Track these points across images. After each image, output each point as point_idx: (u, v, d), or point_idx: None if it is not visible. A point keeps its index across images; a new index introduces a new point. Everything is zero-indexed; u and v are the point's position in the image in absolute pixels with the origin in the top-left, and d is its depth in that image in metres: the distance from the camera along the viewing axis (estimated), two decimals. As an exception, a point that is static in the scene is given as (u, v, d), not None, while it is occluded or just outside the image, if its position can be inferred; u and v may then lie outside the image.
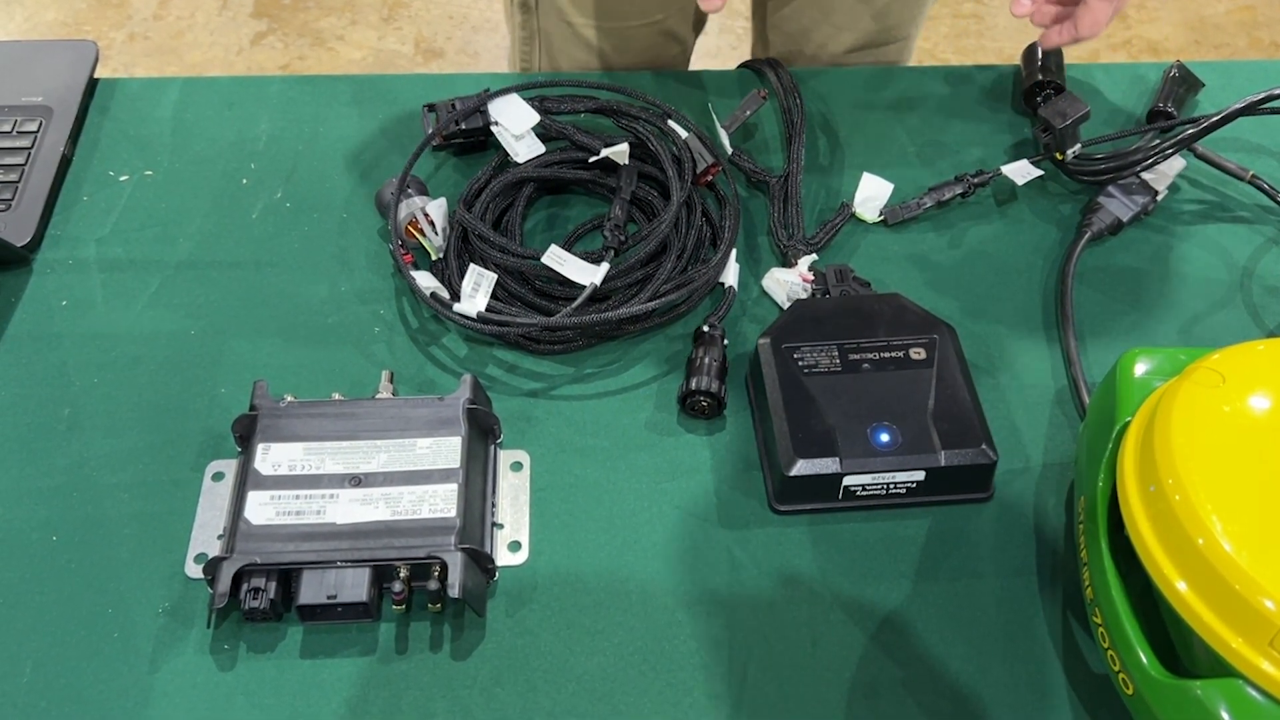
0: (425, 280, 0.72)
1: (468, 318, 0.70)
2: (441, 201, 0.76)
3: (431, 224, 0.74)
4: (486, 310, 0.70)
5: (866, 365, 0.67)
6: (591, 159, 0.78)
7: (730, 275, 0.75)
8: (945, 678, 0.59)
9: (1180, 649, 0.53)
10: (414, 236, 0.75)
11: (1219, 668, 0.49)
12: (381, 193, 0.78)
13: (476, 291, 0.71)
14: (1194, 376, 0.55)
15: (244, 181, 0.81)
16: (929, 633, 0.61)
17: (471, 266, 0.72)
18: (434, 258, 0.75)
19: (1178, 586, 0.50)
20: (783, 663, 0.59)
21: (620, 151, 0.77)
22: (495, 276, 0.72)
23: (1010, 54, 2.17)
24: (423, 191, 0.78)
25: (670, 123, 0.79)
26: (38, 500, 0.65)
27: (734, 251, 0.76)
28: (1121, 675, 0.54)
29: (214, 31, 2.20)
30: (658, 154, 0.77)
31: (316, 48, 2.19)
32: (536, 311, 0.72)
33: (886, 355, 0.67)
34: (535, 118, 0.79)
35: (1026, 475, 0.67)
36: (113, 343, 0.72)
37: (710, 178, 0.79)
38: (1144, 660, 0.52)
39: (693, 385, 0.67)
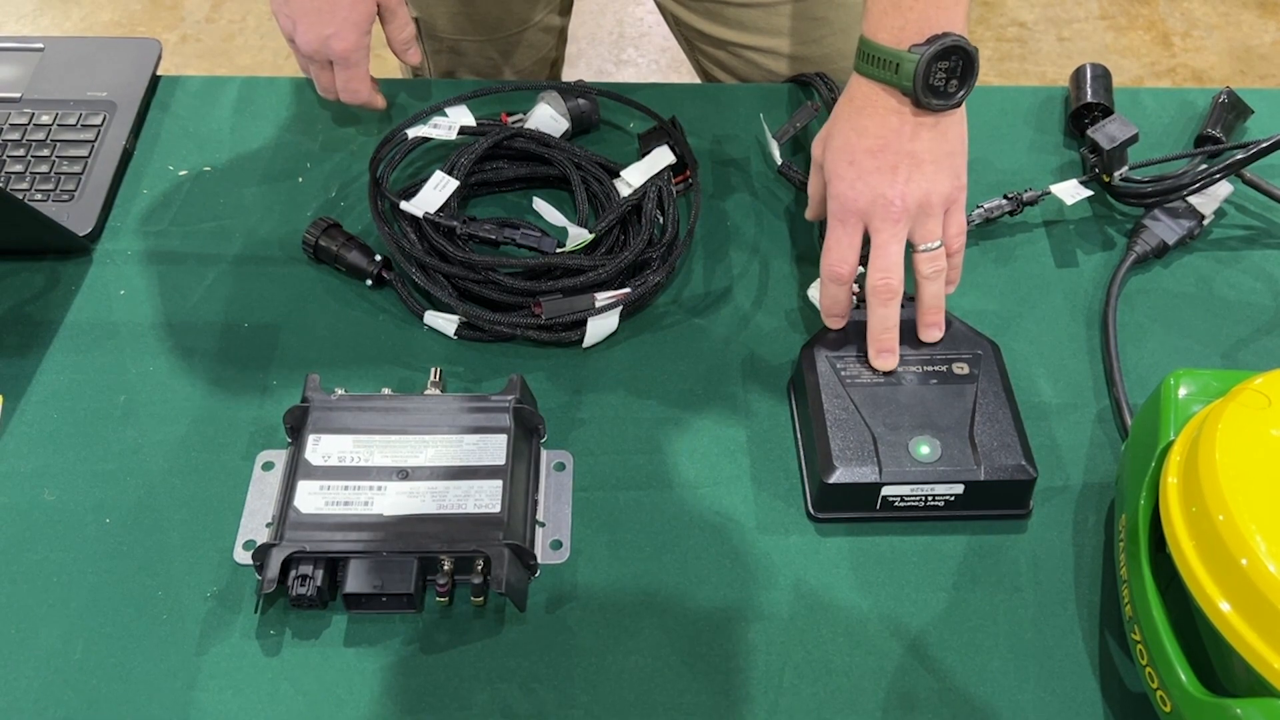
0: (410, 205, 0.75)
1: (432, 218, 0.74)
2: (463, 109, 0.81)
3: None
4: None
5: (909, 378, 0.67)
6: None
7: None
8: (982, 692, 0.59)
9: (1219, 668, 0.53)
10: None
11: (1259, 687, 0.49)
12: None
13: (436, 190, 0.75)
14: (1240, 398, 0.55)
15: (300, 180, 0.83)
16: (966, 646, 0.61)
17: (437, 171, 0.76)
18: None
19: (1221, 606, 0.50)
20: (819, 670, 0.60)
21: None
22: (458, 183, 0.76)
23: (1053, 78, 2.17)
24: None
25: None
26: (93, 483, 0.66)
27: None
28: (1160, 693, 0.54)
29: (265, 35, 2.23)
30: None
31: (364, 54, 2.21)
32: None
33: (929, 369, 0.68)
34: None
35: (1066, 493, 0.67)
36: (168, 333, 0.74)
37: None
38: (1183, 678, 0.52)
39: None
